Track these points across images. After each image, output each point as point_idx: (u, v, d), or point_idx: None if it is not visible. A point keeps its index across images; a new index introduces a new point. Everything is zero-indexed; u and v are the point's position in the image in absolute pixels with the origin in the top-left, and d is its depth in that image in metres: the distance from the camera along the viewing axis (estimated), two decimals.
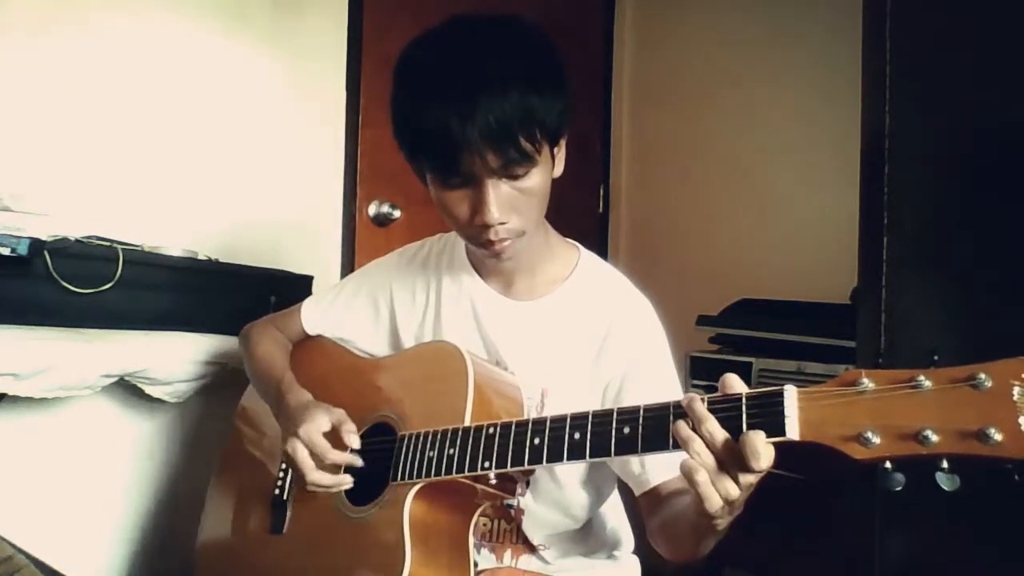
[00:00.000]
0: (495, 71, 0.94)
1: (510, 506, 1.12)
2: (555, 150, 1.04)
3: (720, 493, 0.79)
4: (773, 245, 2.39)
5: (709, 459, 0.78)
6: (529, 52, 0.99)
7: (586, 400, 1.09)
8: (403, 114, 1.01)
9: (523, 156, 0.96)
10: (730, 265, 2.47)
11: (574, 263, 1.16)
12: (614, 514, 1.24)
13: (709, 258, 2.55)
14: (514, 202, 1.00)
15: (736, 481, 0.78)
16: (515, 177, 0.98)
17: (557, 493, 1.11)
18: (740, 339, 2.07)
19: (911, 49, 1.36)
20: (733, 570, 1.91)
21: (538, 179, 1.00)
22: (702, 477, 0.78)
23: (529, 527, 1.13)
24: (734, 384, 0.80)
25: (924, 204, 1.36)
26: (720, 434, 0.78)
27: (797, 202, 2.36)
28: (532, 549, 1.14)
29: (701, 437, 0.78)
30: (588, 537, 1.20)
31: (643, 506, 1.08)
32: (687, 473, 0.79)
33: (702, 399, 0.81)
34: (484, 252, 1.07)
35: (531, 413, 1.09)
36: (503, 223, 1.00)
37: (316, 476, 1.05)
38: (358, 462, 1.06)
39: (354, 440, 1.05)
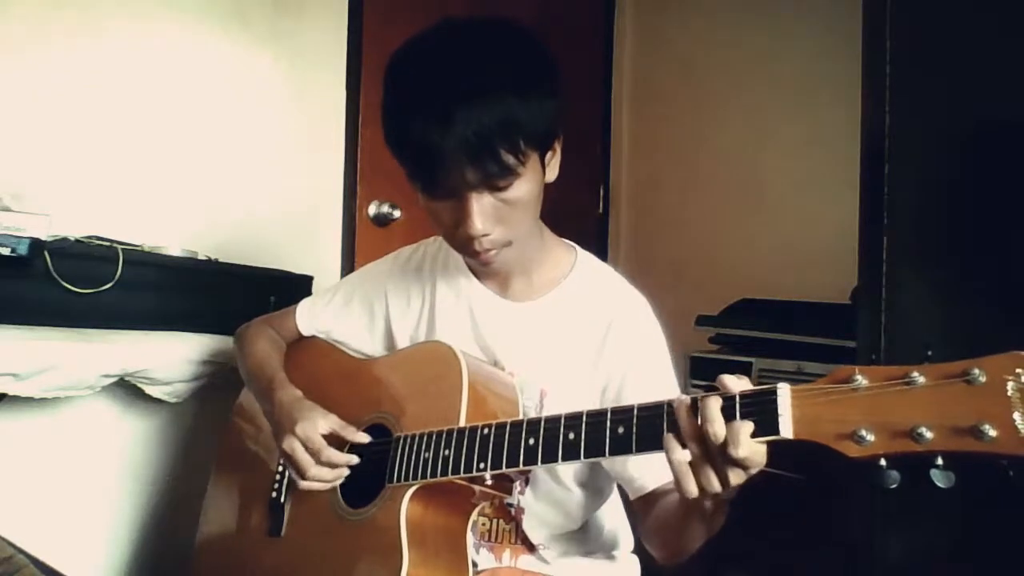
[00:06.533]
0: (475, 81, 0.92)
1: (510, 505, 1.12)
2: (547, 156, 1.02)
3: (700, 483, 0.80)
4: (773, 245, 2.39)
5: (696, 450, 0.79)
6: (515, 57, 0.97)
7: (585, 400, 1.09)
8: (387, 123, 1.00)
9: (503, 169, 0.94)
10: (730, 265, 2.47)
11: (571, 263, 1.16)
12: (614, 514, 1.24)
13: (709, 258, 2.54)
14: (499, 213, 0.99)
15: (723, 478, 0.79)
16: (497, 189, 0.97)
17: (558, 492, 1.12)
18: (740, 339, 2.07)
19: (911, 49, 1.36)
20: (733, 570, 1.90)
21: (524, 189, 0.98)
22: (683, 464, 0.80)
23: (529, 526, 1.13)
24: (729, 384, 0.80)
25: (924, 204, 1.36)
26: (723, 436, 0.77)
27: (797, 202, 2.36)
28: (531, 549, 1.14)
29: (704, 433, 0.78)
30: (588, 537, 1.20)
31: (638, 508, 1.09)
32: (671, 459, 0.81)
33: (699, 398, 0.80)
34: (472, 260, 1.08)
35: (530, 414, 1.08)
36: (486, 235, 0.99)
37: (315, 471, 1.05)
38: (354, 459, 1.06)
39: (361, 436, 1.07)
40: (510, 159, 0.94)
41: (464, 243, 1.02)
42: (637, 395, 1.04)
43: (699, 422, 0.79)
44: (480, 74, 0.93)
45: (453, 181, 0.95)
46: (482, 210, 0.97)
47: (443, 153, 0.92)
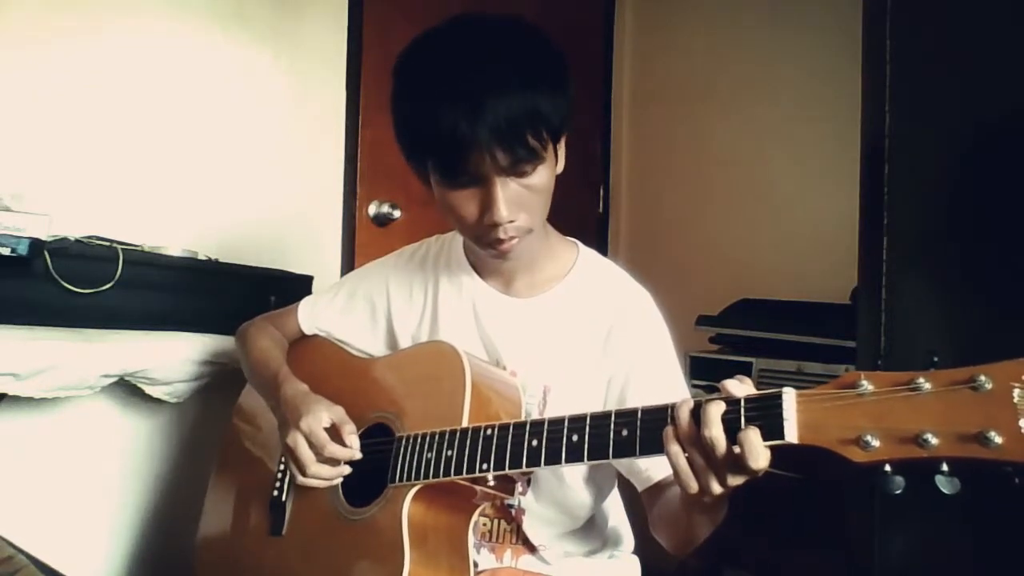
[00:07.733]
0: (501, 71, 0.95)
1: (511, 506, 1.12)
2: (557, 147, 1.05)
3: (701, 484, 0.80)
4: (773, 245, 2.39)
5: (699, 460, 0.80)
6: (532, 52, 1.00)
7: (589, 396, 1.09)
8: (407, 115, 1.01)
9: (531, 154, 0.97)
10: (730, 265, 2.47)
11: (573, 260, 1.17)
12: (614, 513, 1.25)
13: (709, 258, 2.54)
14: (522, 200, 1.01)
15: (723, 480, 0.79)
16: (523, 175, 0.99)
17: (559, 492, 1.11)
18: (740, 339, 2.07)
19: (911, 49, 1.36)
20: (733, 570, 1.91)
21: (545, 176, 1.02)
22: (684, 465, 0.80)
23: (530, 527, 1.13)
24: (732, 389, 0.80)
25: (924, 204, 1.36)
26: (721, 441, 0.78)
27: (797, 202, 2.36)
28: (532, 549, 1.14)
29: (702, 438, 0.78)
30: (588, 537, 1.20)
31: (645, 500, 1.09)
32: (672, 461, 0.81)
33: (702, 402, 0.80)
34: (490, 252, 1.07)
35: (534, 411, 1.09)
36: (511, 221, 1.01)
37: (315, 468, 1.05)
38: (356, 455, 1.06)
39: (354, 441, 1.06)
40: (536, 144, 0.97)
41: (486, 232, 1.03)
42: (642, 390, 1.05)
43: (699, 426, 0.79)
44: (505, 67, 0.96)
45: (481, 168, 0.97)
46: (507, 196, 0.99)
47: (473, 140, 0.93)
